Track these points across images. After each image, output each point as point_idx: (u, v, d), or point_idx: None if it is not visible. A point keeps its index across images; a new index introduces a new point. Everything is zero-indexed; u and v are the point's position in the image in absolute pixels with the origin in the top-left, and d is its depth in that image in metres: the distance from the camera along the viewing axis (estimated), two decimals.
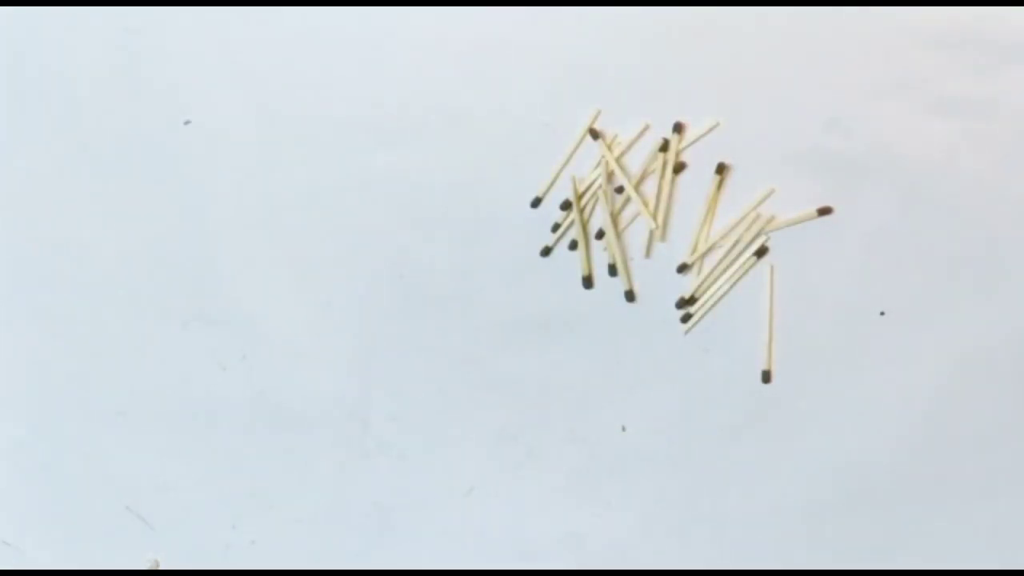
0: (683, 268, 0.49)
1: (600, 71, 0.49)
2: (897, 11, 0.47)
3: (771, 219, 0.48)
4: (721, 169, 0.48)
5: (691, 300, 0.49)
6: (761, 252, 0.48)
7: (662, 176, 0.48)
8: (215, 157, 0.51)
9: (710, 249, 0.49)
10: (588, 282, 0.50)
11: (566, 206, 0.49)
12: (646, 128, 0.49)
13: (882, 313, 0.49)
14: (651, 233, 0.49)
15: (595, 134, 0.49)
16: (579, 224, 0.48)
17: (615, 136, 0.49)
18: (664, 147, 0.48)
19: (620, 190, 0.49)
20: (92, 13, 0.52)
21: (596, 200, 0.49)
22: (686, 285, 0.49)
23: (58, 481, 0.52)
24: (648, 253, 0.49)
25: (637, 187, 0.48)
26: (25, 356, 0.52)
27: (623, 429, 0.50)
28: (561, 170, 0.49)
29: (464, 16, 0.49)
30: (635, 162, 0.49)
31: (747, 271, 0.49)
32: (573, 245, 0.49)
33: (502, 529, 0.51)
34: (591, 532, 0.51)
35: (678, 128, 0.48)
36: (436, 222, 0.50)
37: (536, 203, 0.50)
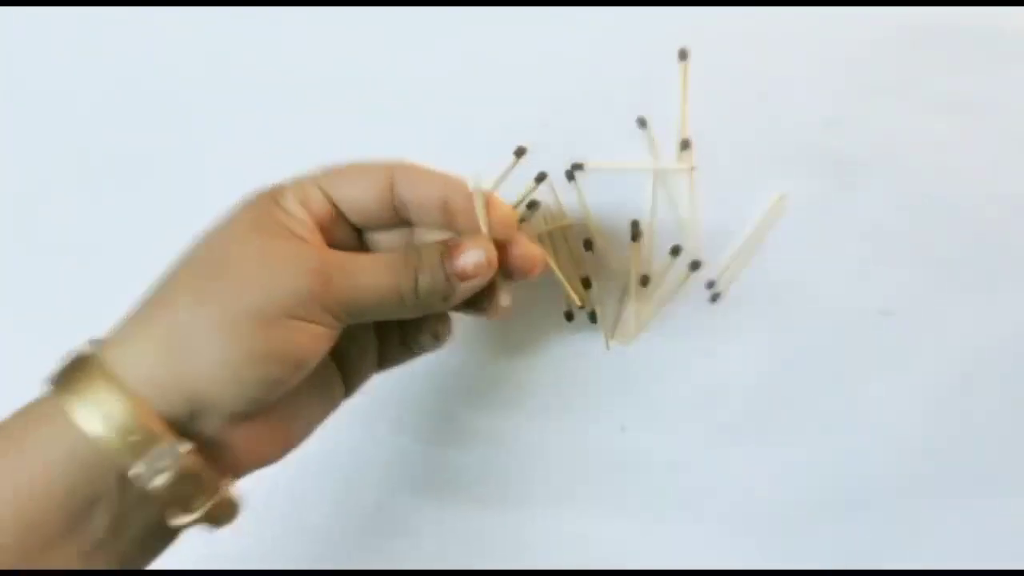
0: (695, 266, 0.49)
1: (596, 73, 0.49)
2: (896, 10, 0.47)
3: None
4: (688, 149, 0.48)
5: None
6: (695, 266, 0.48)
7: (691, 181, 0.48)
8: (214, 157, 0.51)
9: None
10: (570, 316, 0.50)
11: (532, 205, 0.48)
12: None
13: (884, 313, 0.49)
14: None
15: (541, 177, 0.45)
16: (553, 263, 0.46)
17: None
18: (686, 145, 0.48)
19: (588, 244, 0.48)
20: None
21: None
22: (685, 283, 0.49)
23: None
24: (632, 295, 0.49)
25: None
26: (25, 357, 0.51)
27: (623, 429, 0.50)
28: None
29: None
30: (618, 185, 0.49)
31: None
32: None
33: (502, 529, 0.51)
34: (591, 532, 0.51)
35: (686, 145, 0.48)
36: None
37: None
